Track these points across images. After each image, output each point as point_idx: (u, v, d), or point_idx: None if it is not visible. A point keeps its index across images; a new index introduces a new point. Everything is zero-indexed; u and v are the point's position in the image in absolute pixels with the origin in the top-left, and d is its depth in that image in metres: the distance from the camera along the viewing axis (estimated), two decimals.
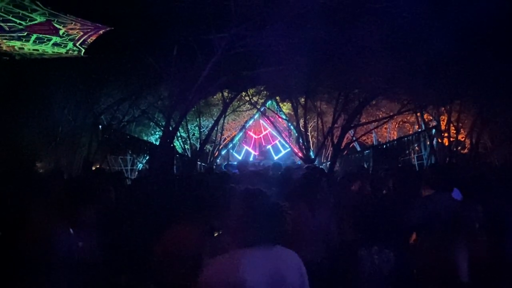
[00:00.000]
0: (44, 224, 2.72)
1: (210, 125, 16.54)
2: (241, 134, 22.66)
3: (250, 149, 24.11)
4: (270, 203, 2.25)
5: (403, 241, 3.00)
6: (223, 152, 21.54)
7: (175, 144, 15.19)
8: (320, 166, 14.49)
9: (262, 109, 18.30)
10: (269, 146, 24.16)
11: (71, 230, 2.82)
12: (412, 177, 5.02)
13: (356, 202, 3.45)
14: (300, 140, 15.02)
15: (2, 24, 6.73)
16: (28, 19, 6.58)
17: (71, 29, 7.26)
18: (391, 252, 2.68)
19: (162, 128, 12.66)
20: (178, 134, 14.43)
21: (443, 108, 13.33)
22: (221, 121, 15.37)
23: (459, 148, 14.15)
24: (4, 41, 7.30)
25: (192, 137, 17.91)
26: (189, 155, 16.44)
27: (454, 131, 13.59)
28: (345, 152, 15.82)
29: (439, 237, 2.99)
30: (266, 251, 2.16)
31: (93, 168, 10.97)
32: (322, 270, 3.63)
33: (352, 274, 2.86)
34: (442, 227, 3.04)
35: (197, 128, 17.31)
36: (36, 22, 6.71)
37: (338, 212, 4.20)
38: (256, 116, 21.53)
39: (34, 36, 7.24)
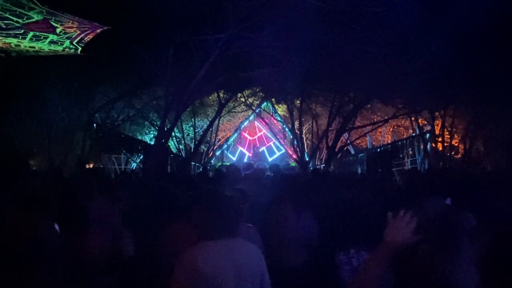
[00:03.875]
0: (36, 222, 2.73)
1: (205, 125, 16.55)
2: (235, 135, 22.64)
3: (244, 150, 24.09)
4: (225, 199, 2.47)
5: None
6: (218, 153, 21.53)
7: (169, 144, 15.17)
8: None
9: (257, 111, 18.33)
10: (263, 148, 24.15)
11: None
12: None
13: (334, 205, 3.43)
14: (295, 142, 15.06)
15: None
16: (25, 17, 6.57)
17: (68, 27, 7.25)
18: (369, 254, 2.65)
19: (157, 128, 12.64)
20: (173, 134, 14.42)
21: (437, 113, 13.41)
22: (216, 121, 15.38)
23: (453, 153, 14.24)
24: (1, 38, 7.27)
25: (186, 137, 17.90)
26: (184, 155, 16.42)
27: (448, 136, 13.68)
28: (339, 155, 15.87)
29: (432, 244, 3.00)
30: (226, 243, 2.34)
31: (87, 167, 10.94)
32: (303, 276, 3.63)
33: (332, 279, 2.86)
34: (434, 234, 3.04)
35: (192, 128, 17.29)
36: (33, 20, 6.70)
37: (320, 216, 4.18)
38: (251, 118, 21.53)
39: (30, 34, 7.22)
